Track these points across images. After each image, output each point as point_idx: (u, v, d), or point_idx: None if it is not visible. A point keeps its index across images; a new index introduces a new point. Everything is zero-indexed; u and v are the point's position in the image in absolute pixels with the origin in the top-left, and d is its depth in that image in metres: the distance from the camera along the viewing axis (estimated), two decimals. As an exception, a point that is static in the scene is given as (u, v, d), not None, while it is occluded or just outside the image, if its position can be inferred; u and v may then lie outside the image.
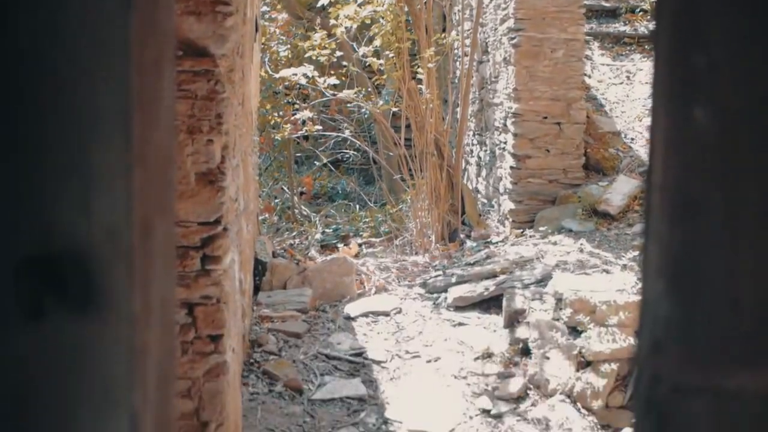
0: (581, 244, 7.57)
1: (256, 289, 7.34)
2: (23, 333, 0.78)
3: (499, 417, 5.75)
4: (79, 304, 0.79)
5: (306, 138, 12.20)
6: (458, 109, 10.44)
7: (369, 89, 10.80)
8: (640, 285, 0.92)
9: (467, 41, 10.68)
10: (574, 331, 5.85)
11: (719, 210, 0.81)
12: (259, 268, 7.45)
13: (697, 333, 0.82)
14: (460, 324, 6.88)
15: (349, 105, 11.68)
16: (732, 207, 0.81)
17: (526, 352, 6.18)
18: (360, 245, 9.98)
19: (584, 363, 5.68)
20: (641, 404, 0.91)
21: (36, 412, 0.78)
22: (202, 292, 4.24)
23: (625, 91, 10.56)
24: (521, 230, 8.71)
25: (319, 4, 10.74)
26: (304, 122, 10.72)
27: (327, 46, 10.36)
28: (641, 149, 9.49)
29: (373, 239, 10.47)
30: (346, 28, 10.02)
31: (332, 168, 12.73)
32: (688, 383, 0.82)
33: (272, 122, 10.71)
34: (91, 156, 0.79)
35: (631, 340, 5.52)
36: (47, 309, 0.78)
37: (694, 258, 0.82)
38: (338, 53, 10.64)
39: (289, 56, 11.56)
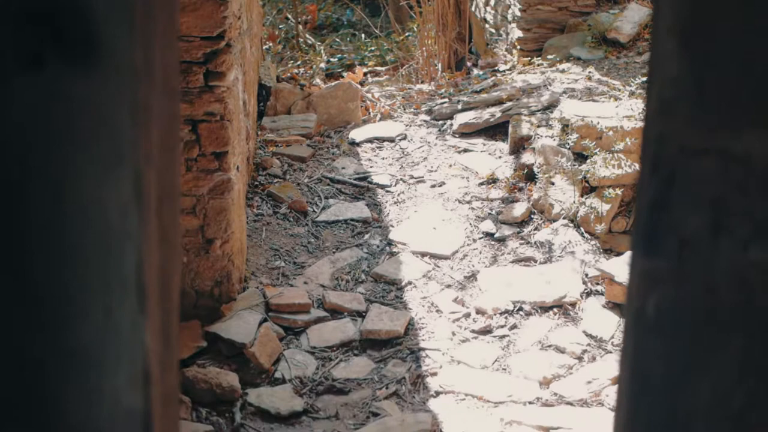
0: (590, 72, 7.49)
1: (260, 114, 7.32)
2: (24, 85, 0.76)
3: (502, 240, 5.82)
4: (79, 55, 0.77)
5: (311, -37, 11.93)
6: (467, -66, 10.15)
7: None
8: (649, 43, 0.90)
9: None
10: (580, 156, 5.85)
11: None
12: (263, 93, 7.40)
13: (706, 93, 0.80)
14: (465, 150, 6.89)
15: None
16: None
17: (530, 177, 6.21)
18: (365, 74, 9.89)
19: (588, 188, 5.71)
20: (647, 164, 0.90)
21: (39, 165, 0.78)
22: (206, 109, 4.23)
23: None
24: (529, 59, 8.60)
25: None
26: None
27: None
28: (654, -24, 9.26)
29: (379, 68, 10.37)
30: None
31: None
32: (695, 143, 0.81)
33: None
34: None
35: (637, 167, 5.53)
36: (46, 59, 0.76)
37: (706, 15, 0.80)
38: None
39: None
